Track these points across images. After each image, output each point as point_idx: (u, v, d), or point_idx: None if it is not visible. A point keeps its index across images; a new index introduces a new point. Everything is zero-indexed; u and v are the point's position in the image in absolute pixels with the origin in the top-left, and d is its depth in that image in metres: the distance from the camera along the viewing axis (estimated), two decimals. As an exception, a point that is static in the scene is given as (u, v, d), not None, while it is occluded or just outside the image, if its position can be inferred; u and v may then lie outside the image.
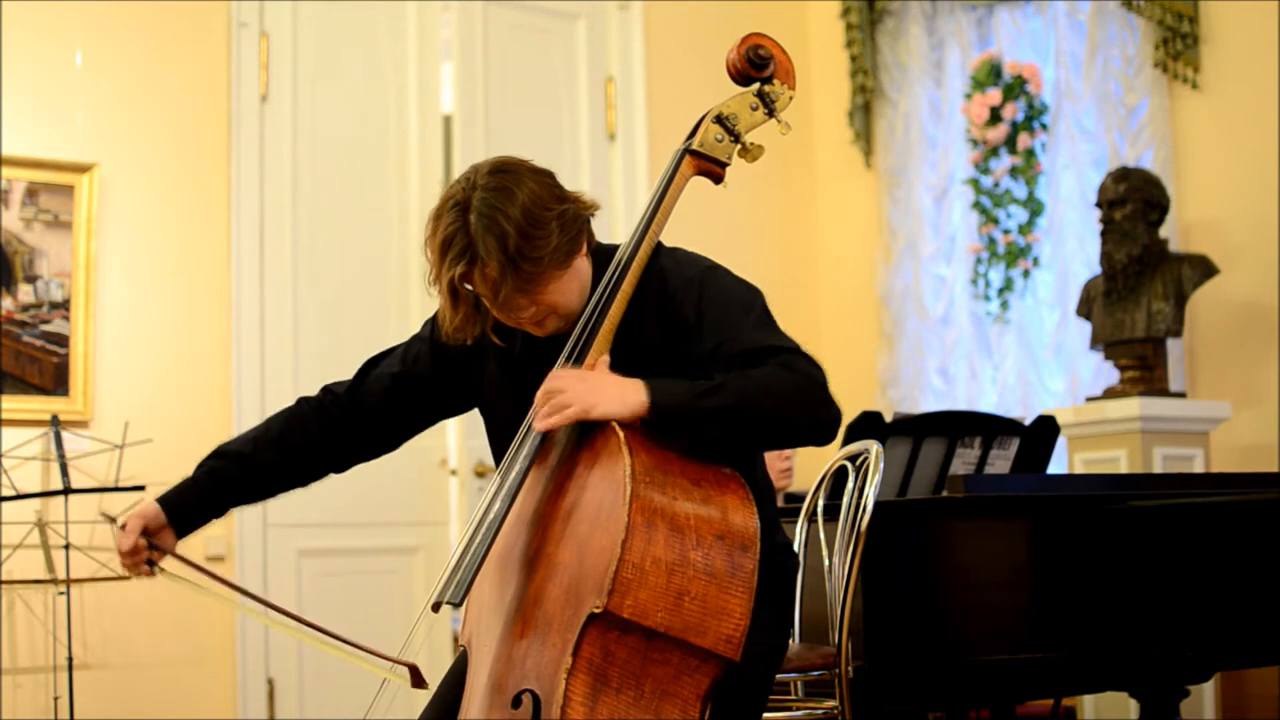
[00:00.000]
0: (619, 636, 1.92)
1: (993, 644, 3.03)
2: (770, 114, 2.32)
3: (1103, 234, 4.62)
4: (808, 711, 2.73)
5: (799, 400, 2.05)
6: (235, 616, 4.59)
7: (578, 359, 2.14)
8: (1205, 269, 4.57)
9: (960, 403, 5.40)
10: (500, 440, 2.25)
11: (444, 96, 5.30)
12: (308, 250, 4.92)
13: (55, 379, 4.38)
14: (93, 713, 4.22)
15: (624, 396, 2.03)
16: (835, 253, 6.00)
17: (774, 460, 4.30)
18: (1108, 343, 4.66)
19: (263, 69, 4.87)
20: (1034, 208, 5.32)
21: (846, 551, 2.73)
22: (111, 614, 4.35)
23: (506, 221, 2.05)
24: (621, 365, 2.12)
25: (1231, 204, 4.79)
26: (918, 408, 5.44)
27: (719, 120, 2.29)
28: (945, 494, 3.14)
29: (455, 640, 4.67)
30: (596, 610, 1.89)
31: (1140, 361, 4.59)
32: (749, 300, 2.15)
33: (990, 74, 5.38)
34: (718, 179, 2.31)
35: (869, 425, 3.47)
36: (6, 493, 4.05)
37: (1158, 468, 4.42)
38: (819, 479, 2.96)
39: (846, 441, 3.30)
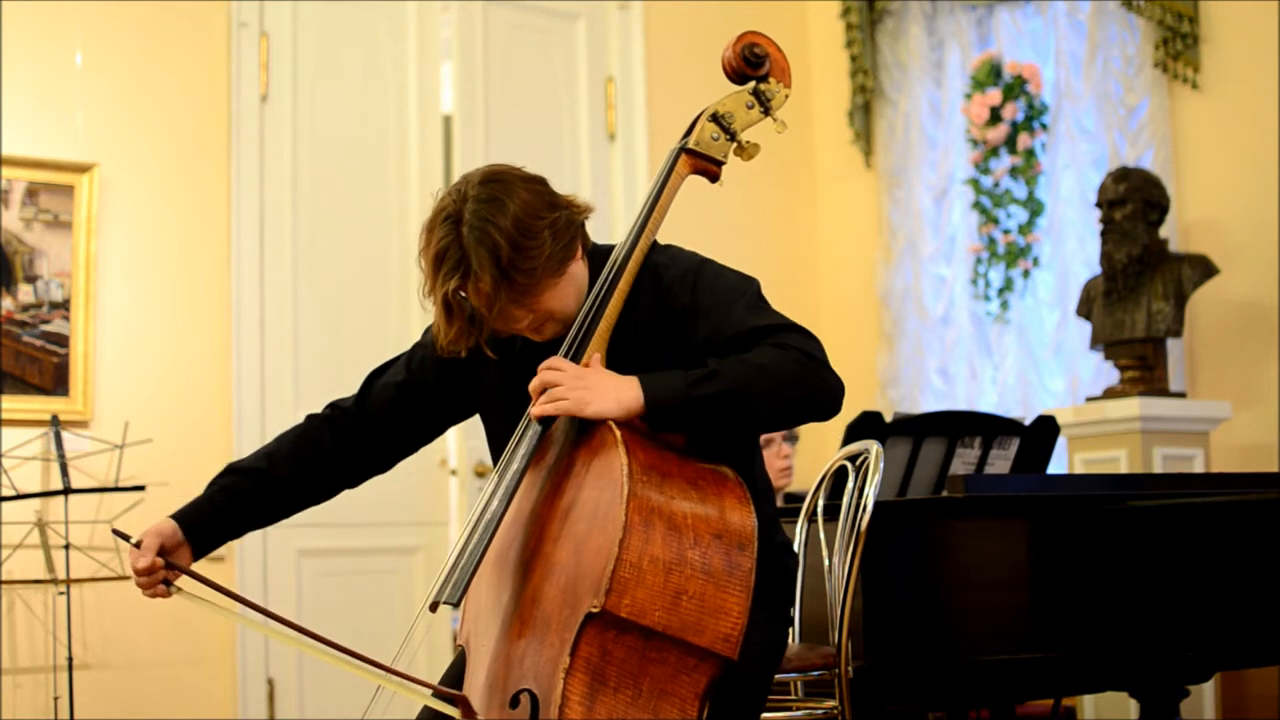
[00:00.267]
0: (617, 636, 1.91)
1: (993, 644, 3.03)
2: (766, 112, 2.31)
3: (1103, 234, 4.62)
4: (808, 711, 2.73)
5: (795, 378, 2.04)
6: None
7: (574, 358, 2.13)
8: (1205, 269, 4.57)
9: (960, 403, 5.40)
10: (499, 441, 2.24)
11: (444, 96, 5.30)
12: (308, 250, 4.92)
13: (55, 379, 4.38)
14: (93, 713, 4.22)
15: (619, 396, 2.03)
16: (835, 253, 6.00)
17: (773, 459, 4.32)
18: (1108, 343, 4.66)
19: (263, 69, 4.87)
20: (1034, 208, 5.32)
21: (846, 551, 2.73)
22: (111, 614, 4.35)
23: (498, 233, 2.04)
24: (618, 362, 2.12)
25: (1231, 204, 4.78)
26: (918, 408, 5.44)
27: (715, 119, 2.29)
28: (945, 494, 3.14)
29: (454, 640, 4.67)
30: (594, 609, 1.89)
31: (1140, 361, 4.58)
32: (742, 287, 2.15)
33: (990, 74, 5.38)
34: (714, 178, 2.31)
35: (869, 425, 3.47)
36: (6, 493, 4.05)
37: (1158, 468, 4.42)
38: (819, 479, 2.96)
39: (846, 441, 3.30)
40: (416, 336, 2.42)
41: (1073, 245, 5.16)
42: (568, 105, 5.52)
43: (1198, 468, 4.51)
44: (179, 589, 2.21)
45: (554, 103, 5.49)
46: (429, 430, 2.41)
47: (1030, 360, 5.30)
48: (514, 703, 1.96)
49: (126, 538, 2.21)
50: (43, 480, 4.25)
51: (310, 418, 2.40)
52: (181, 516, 2.27)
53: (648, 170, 5.52)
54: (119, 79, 4.59)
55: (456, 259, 2.06)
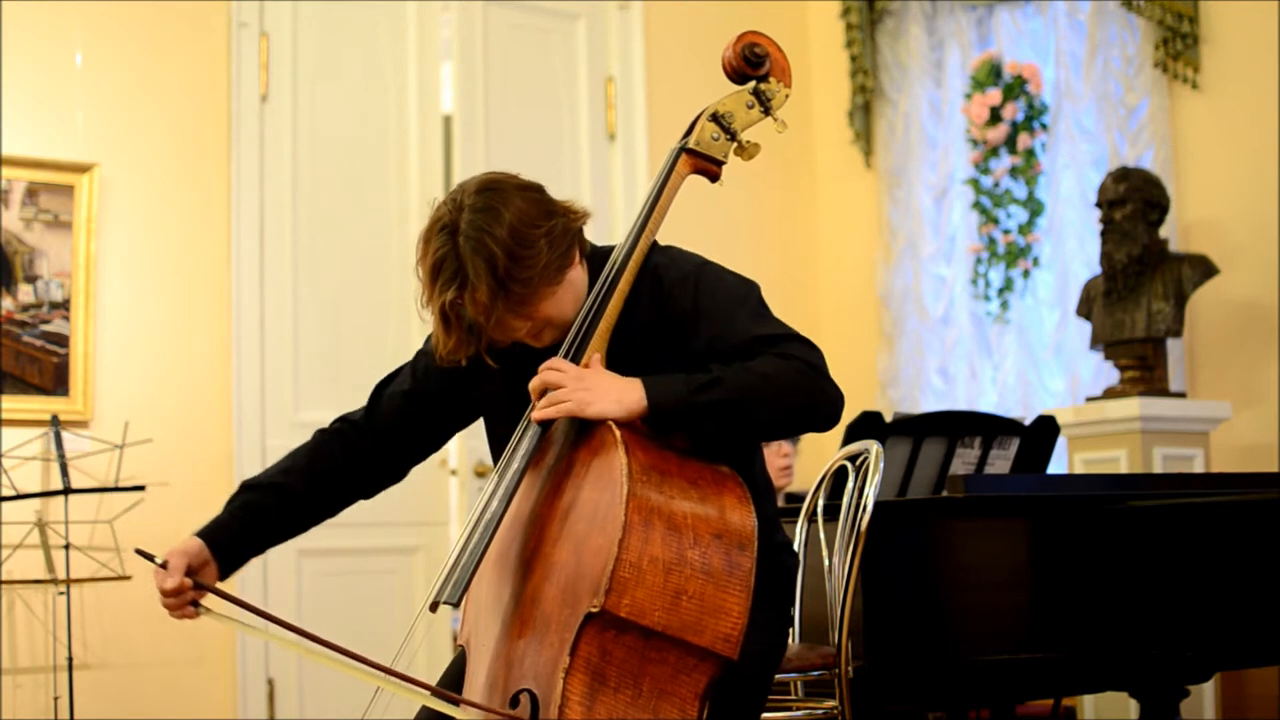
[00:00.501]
0: (616, 636, 1.91)
1: (993, 644, 3.03)
2: (766, 112, 2.31)
3: (1103, 234, 4.62)
4: (808, 711, 2.73)
5: (797, 388, 2.04)
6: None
7: (574, 358, 2.14)
8: (1205, 269, 4.57)
9: (960, 403, 5.40)
10: (500, 441, 2.24)
11: (444, 96, 5.30)
12: (308, 250, 4.92)
13: (55, 379, 4.38)
14: (93, 713, 4.22)
15: (621, 397, 2.03)
16: (835, 253, 6.00)
17: (773, 458, 4.32)
18: (1108, 343, 4.66)
19: (263, 69, 4.87)
20: (1034, 208, 5.32)
21: (846, 551, 2.73)
22: (111, 614, 4.35)
23: (494, 243, 2.03)
24: (618, 363, 2.12)
25: (1231, 204, 4.78)
26: (918, 408, 5.44)
27: (715, 119, 2.29)
28: (945, 494, 3.14)
29: (454, 640, 4.67)
30: (594, 609, 1.89)
31: (1140, 361, 4.58)
32: (744, 293, 2.15)
33: (990, 74, 5.38)
34: (714, 178, 2.31)
35: (869, 425, 3.47)
36: (6, 493, 4.05)
37: (1158, 468, 4.42)
38: (819, 479, 2.96)
39: (846, 441, 3.30)
40: (416, 337, 2.42)
41: (1073, 245, 5.16)
42: (568, 105, 5.52)
43: (1198, 468, 4.51)
44: (207, 609, 2.17)
45: (554, 103, 5.49)
46: (439, 436, 2.41)
47: (1030, 360, 5.30)
48: (514, 702, 1.96)
49: (150, 558, 2.15)
50: (43, 480, 4.25)
51: (320, 432, 2.39)
52: (207, 534, 2.25)
53: (648, 170, 5.52)
54: (119, 79, 4.59)
55: (453, 269, 2.05)
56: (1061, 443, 4.42)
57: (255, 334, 4.78)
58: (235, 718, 4.58)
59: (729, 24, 5.35)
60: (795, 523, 2.94)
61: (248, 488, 2.32)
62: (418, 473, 2.42)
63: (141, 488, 4.12)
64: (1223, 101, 4.82)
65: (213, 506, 4.48)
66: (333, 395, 4.88)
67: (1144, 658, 3.17)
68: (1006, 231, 5.35)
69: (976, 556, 3.07)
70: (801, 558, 2.83)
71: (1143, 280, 4.56)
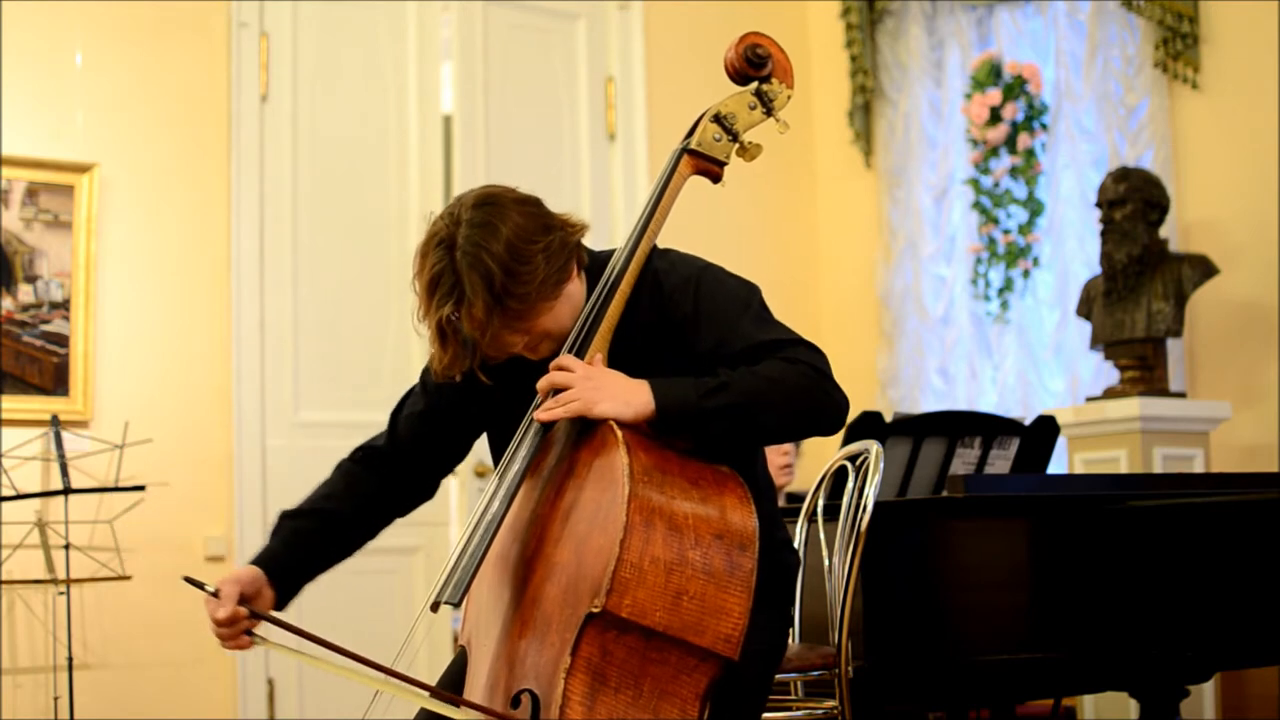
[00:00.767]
0: (617, 636, 1.91)
1: (993, 644, 3.03)
2: (768, 113, 2.31)
3: (1103, 234, 4.62)
4: (808, 711, 2.73)
5: (804, 393, 2.05)
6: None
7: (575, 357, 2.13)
8: (1205, 269, 4.57)
9: (960, 403, 5.40)
10: (501, 443, 2.25)
11: (444, 96, 5.30)
12: (308, 250, 4.92)
13: (55, 379, 4.38)
14: (93, 713, 4.22)
15: (629, 399, 2.03)
16: (835, 253, 6.00)
17: (774, 457, 4.31)
18: (1108, 343, 4.66)
19: (263, 69, 4.87)
20: (1034, 208, 5.32)
21: (846, 551, 2.73)
22: (111, 614, 4.35)
23: (491, 259, 2.03)
24: (618, 365, 2.12)
25: (1231, 204, 4.78)
26: (918, 408, 5.44)
27: (717, 119, 2.29)
28: (945, 494, 3.14)
29: (455, 640, 4.67)
30: (595, 610, 1.89)
31: (1140, 361, 4.58)
32: (746, 297, 2.15)
33: (990, 74, 5.38)
34: (716, 178, 2.31)
35: (869, 425, 3.47)
36: (6, 493, 4.05)
37: (1158, 468, 4.42)
38: (819, 479, 2.96)
39: (846, 441, 3.30)
40: (416, 338, 2.42)
41: (1073, 245, 5.16)
42: (568, 105, 5.52)
43: (1198, 468, 4.51)
44: (261, 638, 2.11)
45: (554, 103, 5.49)
46: (460, 447, 2.41)
47: (1030, 360, 5.30)
48: (515, 703, 1.96)
49: (201, 585, 2.09)
50: (43, 480, 4.25)
51: (345, 462, 2.38)
52: (262, 563, 2.21)
53: (648, 170, 5.52)
54: (119, 79, 4.59)
55: (450, 285, 2.05)
56: (1061, 443, 4.42)
57: (255, 334, 4.78)
58: (235, 718, 4.58)
59: (729, 24, 5.36)
60: (795, 523, 2.94)
61: (290, 516, 2.31)
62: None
63: (141, 488, 4.12)
64: (1223, 101, 4.82)
65: (213, 506, 4.50)
66: (333, 395, 4.88)
67: (1144, 658, 3.18)
68: (1006, 231, 5.35)
69: (976, 556, 3.07)
70: (802, 558, 2.83)
71: (1143, 280, 4.56)
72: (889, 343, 5.68)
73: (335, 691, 4.62)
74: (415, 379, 2.41)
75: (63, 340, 4.40)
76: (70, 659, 3.97)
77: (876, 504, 2.71)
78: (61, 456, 4.10)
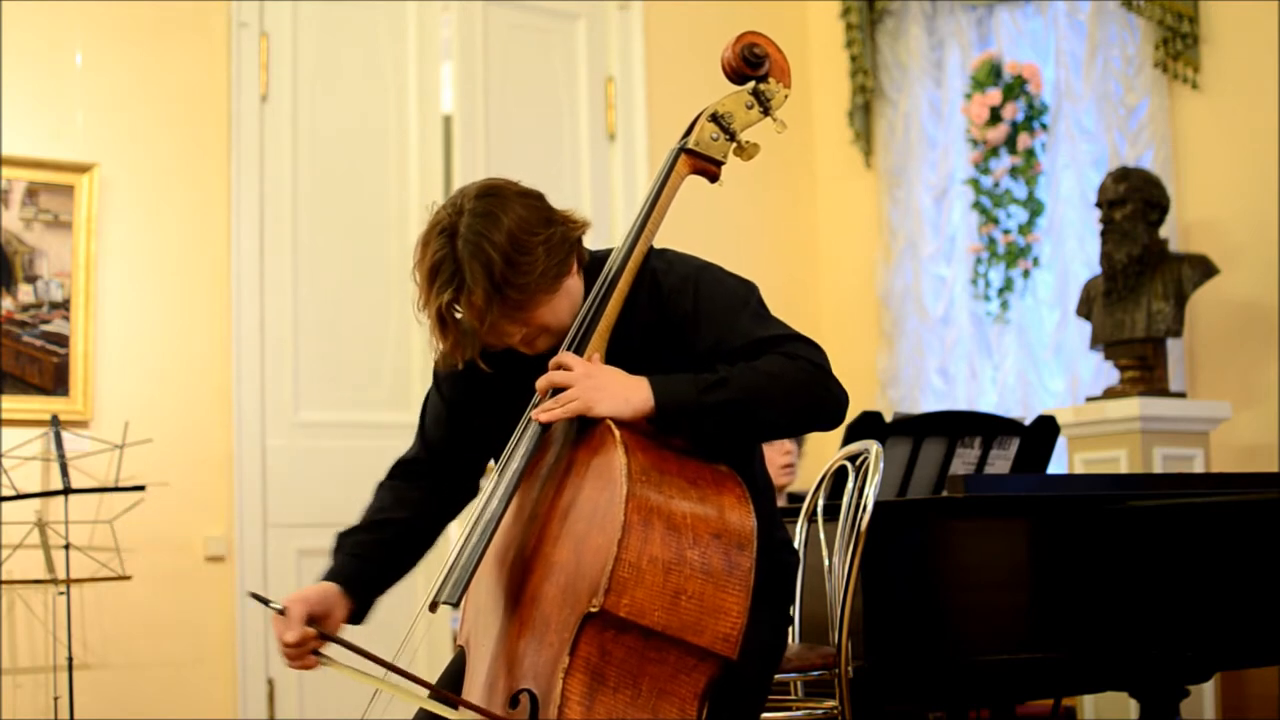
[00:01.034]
0: (616, 635, 1.91)
1: (993, 644, 3.03)
2: (766, 112, 2.31)
3: (1103, 234, 4.62)
4: (808, 711, 2.73)
5: (803, 387, 2.05)
6: (235, 616, 4.59)
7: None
8: (1205, 269, 4.57)
9: (960, 403, 5.40)
10: (501, 441, 2.24)
11: (444, 96, 5.30)
12: (308, 250, 4.92)
13: (55, 379, 4.38)
14: (93, 713, 4.22)
15: (628, 396, 2.03)
16: (835, 253, 6.00)
17: (776, 457, 4.30)
18: (1108, 343, 4.66)
19: (263, 69, 4.87)
20: (1034, 208, 5.32)
21: (846, 551, 2.73)
22: (111, 614, 4.35)
23: (492, 248, 2.03)
24: (617, 364, 2.12)
25: (1231, 204, 4.78)
26: (918, 408, 5.44)
27: (714, 119, 2.28)
28: (945, 494, 3.14)
29: (454, 640, 4.67)
30: (593, 609, 1.89)
31: (1140, 361, 4.58)
32: (745, 295, 2.16)
33: (990, 74, 5.38)
34: (713, 178, 2.31)
35: (869, 425, 3.47)
36: (6, 493, 4.05)
37: (1158, 468, 4.42)
38: (819, 479, 2.96)
39: (846, 441, 3.30)
40: (417, 336, 2.43)
41: (1073, 245, 5.16)
42: (568, 105, 5.52)
43: (1198, 468, 4.51)
44: (329, 660, 2.08)
45: (554, 103, 5.49)
46: (489, 439, 2.36)
47: (1030, 360, 5.30)
48: (513, 703, 1.96)
49: (266, 602, 2.05)
50: (43, 480, 4.25)
51: (384, 482, 2.36)
52: (337, 578, 2.20)
53: (648, 170, 5.52)
54: (119, 79, 4.59)
55: (450, 272, 2.05)
56: (1061, 443, 4.42)
57: (255, 334, 4.78)
58: (235, 718, 4.58)
59: (729, 24, 5.35)
60: (795, 523, 2.94)
61: (350, 533, 2.29)
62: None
63: (141, 488, 4.12)
64: (1223, 101, 4.82)
65: (213, 506, 4.49)
66: (333, 395, 4.88)
67: (1144, 658, 3.17)
68: (1006, 231, 5.35)
69: (976, 556, 3.07)
70: (801, 558, 2.83)
71: (1143, 280, 4.56)
72: (889, 343, 5.68)
73: (335, 691, 4.62)
74: (415, 379, 2.41)
75: (63, 340, 4.40)
76: (70, 659, 3.97)
77: (876, 504, 2.71)
78: (61, 456, 4.10)
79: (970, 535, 3.07)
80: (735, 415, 2.03)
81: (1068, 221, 5.18)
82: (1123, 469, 4.45)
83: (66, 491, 4.02)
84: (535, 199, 2.14)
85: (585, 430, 2.07)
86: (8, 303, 4.32)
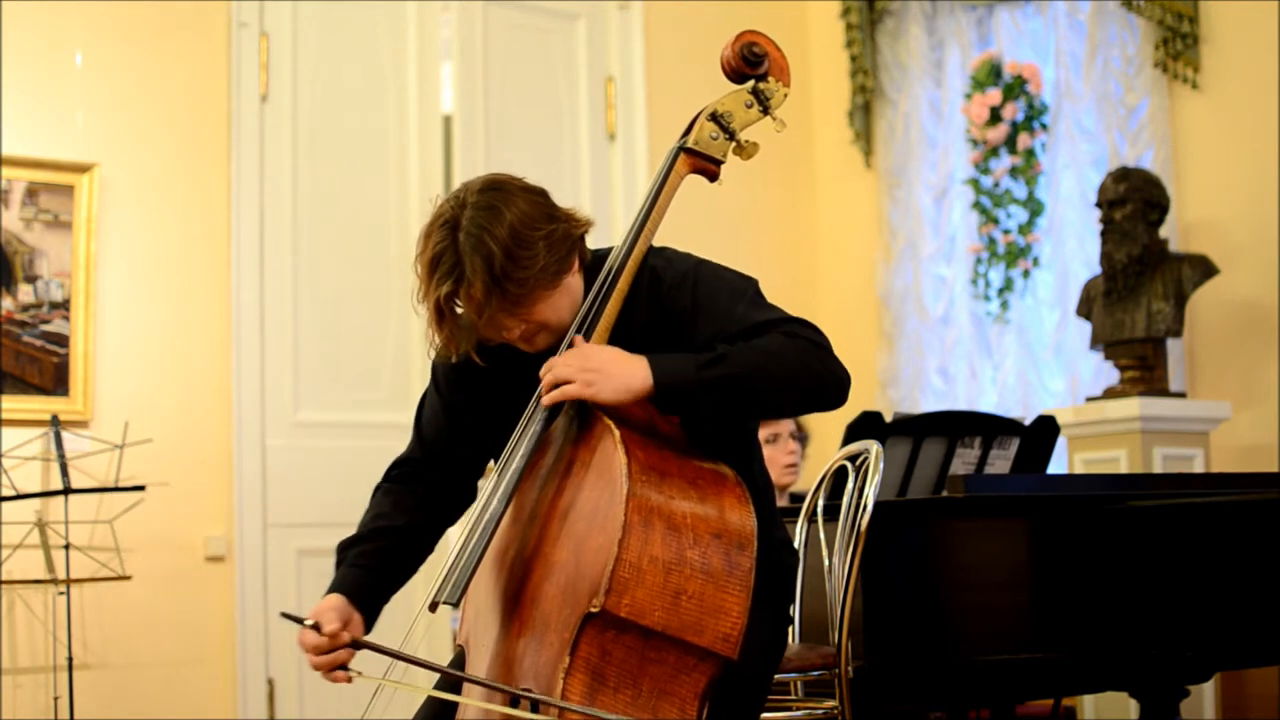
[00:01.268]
0: (616, 635, 1.91)
1: (993, 644, 3.03)
2: (765, 111, 2.31)
3: (1103, 234, 4.62)
4: (808, 711, 2.73)
5: (803, 364, 2.06)
6: (235, 616, 4.59)
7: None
8: (1205, 269, 4.57)
9: (960, 403, 5.40)
10: (500, 441, 2.24)
11: (444, 96, 5.30)
12: (308, 250, 4.92)
13: (55, 379, 4.38)
14: (93, 713, 4.22)
15: (628, 379, 2.03)
16: (835, 253, 6.00)
17: (780, 456, 4.29)
18: (1108, 343, 4.66)
19: (263, 69, 4.87)
20: (1034, 208, 5.32)
21: (846, 551, 2.73)
22: (111, 614, 4.35)
23: (493, 241, 2.03)
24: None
25: (1231, 204, 4.78)
26: (918, 408, 5.44)
27: (714, 118, 2.28)
28: (945, 494, 3.14)
29: (454, 640, 4.67)
30: (594, 609, 1.89)
31: (1140, 361, 4.58)
32: (742, 287, 2.16)
33: (990, 74, 5.38)
34: (713, 177, 2.31)
35: (869, 425, 3.47)
36: (6, 493, 4.05)
37: (1158, 468, 4.42)
38: (819, 479, 2.96)
39: (846, 441, 3.30)
40: (417, 336, 2.42)
41: (1073, 245, 5.16)
42: (568, 105, 5.52)
43: (1198, 468, 4.51)
44: (358, 672, 2.07)
45: (554, 103, 5.49)
46: (487, 441, 2.38)
47: (1030, 360, 5.30)
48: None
49: (299, 620, 2.05)
50: (43, 480, 4.25)
51: (381, 485, 2.36)
52: (343, 589, 2.20)
53: (648, 170, 5.52)
54: (119, 79, 4.59)
55: (450, 264, 2.05)
56: (1061, 443, 4.42)
57: (255, 334, 4.78)
58: (235, 718, 4.58)
59: (729, 24, 5.34)
60: (795, 523, 2.94)
61: (350, 543, 2.28)
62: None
63: (141, 488, 4.12)
64: (1223, 101, 4.82)
65: (213, 506, 4.50)
66: (333, 395, 4.88)
67: (1144, 658, 3.17)
68: (1006, 231, 5.35)
69: (976, 556, 3.07)
70: (801, 558, 2.83)
71: (1143, 280, 4.56)
72: (889, 343, 5.68)
73: (335, 691, 4.61)
74: (415, 379, 2.41)
75: (63, 340, 4.40)
76: (70, 659, 3.97)
77: (876, 504, 2.71)
78: (61, 456, 4.10)
79: (970, 535, 3.07)
80: (735, 392, 2.03)
81: (1068, 221, 5.18)
82: (1123, 469, 4.45)
83: (66, 491, 4.02)
84: (538, 195, 2.14)
85: (585, 430, 2.07)
86: (8, 303, 4.32)
